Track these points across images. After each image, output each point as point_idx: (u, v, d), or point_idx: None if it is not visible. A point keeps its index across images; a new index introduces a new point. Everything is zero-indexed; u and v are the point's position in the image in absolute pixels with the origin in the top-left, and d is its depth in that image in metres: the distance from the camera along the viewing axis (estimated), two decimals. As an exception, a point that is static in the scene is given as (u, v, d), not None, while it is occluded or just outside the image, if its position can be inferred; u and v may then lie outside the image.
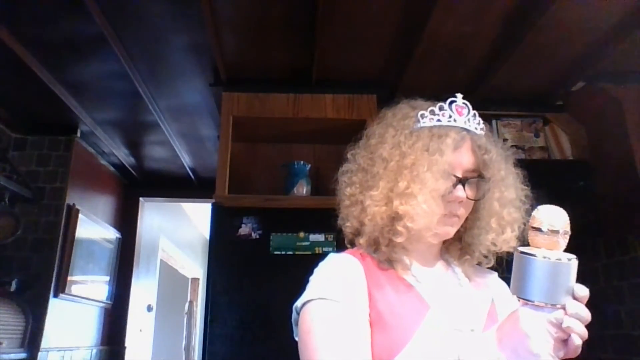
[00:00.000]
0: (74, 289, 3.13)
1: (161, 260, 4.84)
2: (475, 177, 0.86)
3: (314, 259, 2.23)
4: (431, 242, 0.87)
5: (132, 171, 3.89)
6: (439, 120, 0.86)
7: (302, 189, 2.40)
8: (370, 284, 0.82)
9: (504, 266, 0.91)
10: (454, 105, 0.87)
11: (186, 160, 3.66)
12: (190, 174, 3.92)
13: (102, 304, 3.61)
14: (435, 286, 0.86)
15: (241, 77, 2.48)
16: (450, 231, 0.87)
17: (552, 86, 2.51)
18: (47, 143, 3.11)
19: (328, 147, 2.71)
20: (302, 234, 2.15)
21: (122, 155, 3.58)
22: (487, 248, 0.89)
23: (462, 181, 0.84)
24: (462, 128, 0.86)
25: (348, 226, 0.94)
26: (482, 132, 0.89)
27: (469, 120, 0.87)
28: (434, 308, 0.81)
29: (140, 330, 4.18)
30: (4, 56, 2.22)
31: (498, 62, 2.30)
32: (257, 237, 2.13)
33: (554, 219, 0.65)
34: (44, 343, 2.80)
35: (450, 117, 0.86)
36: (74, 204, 3.12)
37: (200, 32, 2.11)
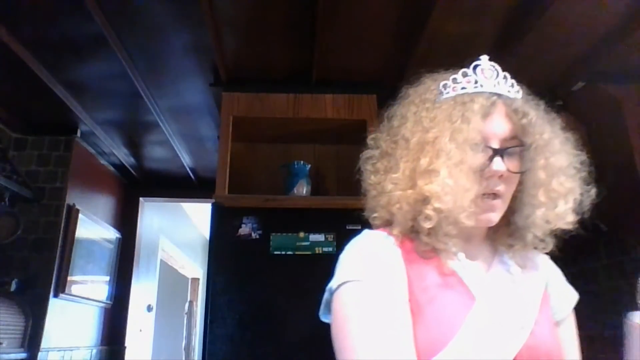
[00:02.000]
0: (74, 289, 3.13)
1: (161, 260, 4.84)
2: (516, 146, 0.76)
3: (314, 259, 2.23)
4: (470, 226, 0.74)
5: (132, 171, 3.89)
6: (463, 88, 0.77)
7: (302, 189, 2.40)
8: (408, 269, 0.74)
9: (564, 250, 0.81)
10: (479, 69, 0.78)
11: (186, 160, 3.66)
12: (190, 174, 3.92)
13: (102, 304, 3.61)
14: (482, 277, 0.76)
15: (241, 77, 2.48)
16: (492, 217, 0.76)
17: (552, 86, 2.52)
18: (47, 143, 3.11)
19: (328, 147, 2.71)
20: (302, 234, 2.15)
21: (122, 155, 3.58)
22: (541, 229, 0.78)
23: (500, 152, 0.74)
24: (491, 93, 0.76)
25: (376, 217, 0.84)
26: (517, 95, 0.79)
27: (498, 83, 0.77)
28: (481, 301, 0.72)
29: (140, 330, 4.17)
30: (4, 56, 2.22)
31: (497, 62, 2.29)
32: (257, 237, 2.13)
33: None
34: (44, 343, 2.79)
35: (476, 82, 0.77)
36: (74, 204, 3.12)
37: (200, 32, 2.11)
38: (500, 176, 0.74)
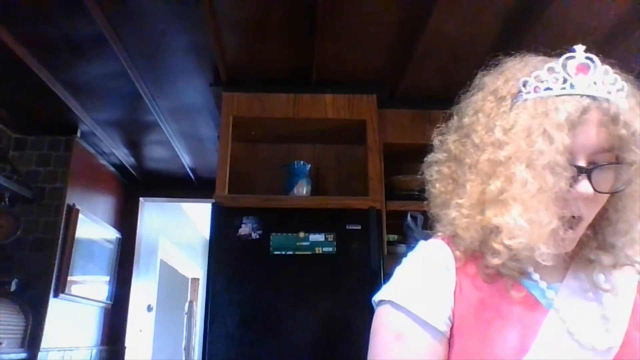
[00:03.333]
0: (74, 289, 3.13)
1: (161, 260, 4.84)
2: (608, 163, 0.62)
3: (314, 259, 2.24)
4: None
5: (132, 171, 3.89)
6: (548, 88, 0.62)
7: (302, 189, 2.40)
8: (461, 282, 0.67)
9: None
10: (570, 63, 0.62)
11: (186, 160, 3.66)
12: (190, 174, 3.92)
13: (102, 304, 3.61)
14: (562, 291, 0.66)
15: (241, 77, 2.48)
16: (569, 245, 0.65)
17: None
18: (47, 143, 3.11)
19: (328, 147, 2.71)
20: (302, 234, 2.15)
21: (122, 155, 3.58)
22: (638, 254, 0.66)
23: (587, 171, 0.60)
24: (584, 95, 0.61)
25: (441, 232, 0.72)
26: (619, 96, 0.62)
27: (595, 82, 0.61)
28: (554, 314, 0.63)
29: (140, 330, 4.17)
30: (4, 56, 2.22)
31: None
32: (257, 237, 2.13)
33: None
34: (44, 343, 2.80)
35: (564, 81, 0.62)
36: (74, 204, 3.12)
37: (200, 32, 2.11)
38: (586, 198, 0.61)
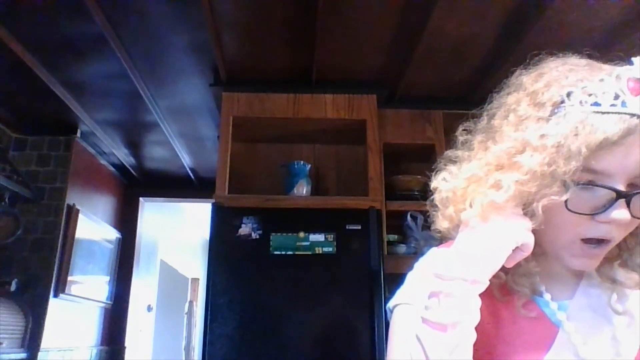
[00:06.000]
0: (74, 289, 3.13)
1: (161, 260, 4.84)
2: None
3: (314, 259, 2.24)
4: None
5: (132, 171, 3.89)
6: (596, 103, 0.55)
7: (302, 189, 2.40)
8: None
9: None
10: (625, 78, 0.55)
11: (186, 160, 3.66)
12: (190, 174, 3.92)
13: (102, 304, 3.61)
14: (573, 309, 0.64)
15: (241, 77, 2.48)
16: (591, 265, 0.61)
17: (552, 86, 2.51)
18: (47, 143, 3.11)
19: (328, 147, 2.72)
20: (302, 234, 2.15)
21: (122, 155, 3.58)
22: None
23: (627, 195, 0.55)
24: (635, 115, 0.54)
25: (443, 231, 0.68)
26: None
27: None
28: (563, 335, 0.61)
29: (140, 330, 4.18)
30: (4, 56, 2.22)
31: (498, 62, 2.30)
32: (257, 237, 2.13)
33: None
34: (44, 343, 2.80)
35: (616, 97, 0.54)
36: (74, 204, 3.12)
37: (200, 32, 2.11)
38: (618, 223, 0.56)
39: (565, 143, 0.54)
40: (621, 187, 0.55)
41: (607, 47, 2.14)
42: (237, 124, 2.44)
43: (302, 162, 2.47)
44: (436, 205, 0.66)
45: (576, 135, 0.54)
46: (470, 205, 0.59)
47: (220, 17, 2.03)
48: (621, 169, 0.55)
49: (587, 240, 0.58)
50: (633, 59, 0.56)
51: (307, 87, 2.50)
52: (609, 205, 0.55)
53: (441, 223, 0.64)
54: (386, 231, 2.36)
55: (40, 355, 2.76)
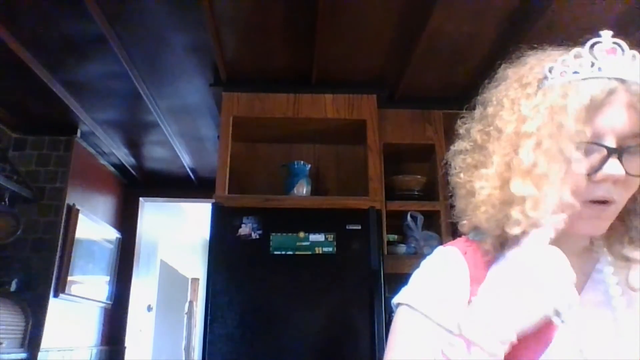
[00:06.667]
0: (74, 289, 3.13)
1: (161, 260, 4.84)
2: (638, 145, 0.61)
3: (314, 259, 2.23)
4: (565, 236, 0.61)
5: (132, 171, 3.89)
6: (575, 72, 0.62)
7: (302, 189, 2.40)
8: (475, 292, 0.66)
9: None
10: (597, 47, 0.63)
11: (186, 160, 3.66)
12: (190, 174, 3.92)
13: (102, 304, 3.61)
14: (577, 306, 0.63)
15: (241, 77, 2.48)
16: (599, 227, 0.63)
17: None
18: (47, 143, 3.11)
19: (328, 147, 2.72)
20: (302, 234, 2.15)
21: (122, 155, 3.58)
22: None
23: (616, 152, 0.60)
24: (611, 78, 0.61)
25: (465, 224, 0.71)
26: None
27: (623, 65, 0.61)
28: (566, 330, 0.61)
29: (140, 330, 4.18)
30: (4, 56, 2.22)
31: (498, 62, 2.29)
32: (257, 237, 2.13)
33: None
34: (44, 343, 2.80)
35: (592, 64, 0.62)
36: (74, 204, 3.12)
37: (200, 32, 2.11)
38: (616, 181, 0.60)
39: (556, 106, 0.61)
40: (613, 145, 0.60)
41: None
42: (237, 124, 2.44)
43: (302, 162, 2.47)
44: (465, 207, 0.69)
45: (564, 97, 0.61)
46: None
47: (220, 17, 2.03)
48: (610, 129, 0.60)
49: (592, 203, 0.61)
50: (601, 32, 0.63)
51: (307, 87, 2.50)
52: (603, 163, 0.60)
53: (486, 223, 0.65)
54: (386, 231, 2.35)
55: (40, 355, 2.76)
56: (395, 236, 2.50)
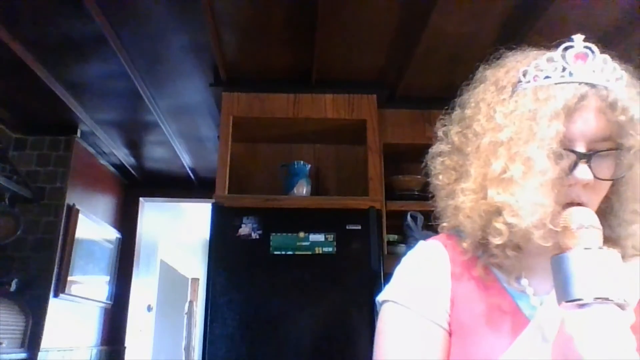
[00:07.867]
0: (74, 289, 3.13)
1: (161, 260, 4.84)
2: (608, 150, 0.62)
3: (314, 259, 2.24)
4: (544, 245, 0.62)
5: (132, 171, 3.89)
6: (547, 77, 0.64)
7: (302, 189, 2.40)
8: (455, 290, 0.69)
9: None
10: (569, 52, 0.63)
11: (186, 160, 3.66)
12: (190, 174, 3.92)
13: (102, 304, 3.61)
14: (546, 301, 0.65)
15: (241, 77, 2.48)
16: None
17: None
18: (47, 143, 3.11)
19: (328, 147, 2.71)
20: (302, 234, 2.15)
21: (122, 155, 3.58)
22: None
23: (585, 157, 0.61)
24: (582, 83, 0.62)
25: (445, 226, 0.73)
26: (618, 85, 0.63)
27: (593, 70, 0.62)
28: (534, 326, 0.62)
29: (140, 330, 4.18)
30: (4, 56, 2.22)
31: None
32: (257, 237, 2.13)
33: (578, 216, 0.57)
34: (44, 343, 2.80)
35: (563, 69, 0.63)
36: (74, 204, 3.12)
37: (200, 32, 2.11)
38: (586, 185, 0.62)
39: (527, 112, 0.63)
40: (582, 150, 0.62)
41: (608, 47, 2.13)
42: (237, 124, 2.44)
43: (302, 162, 2.46)
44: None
45: (535, 102, 0.62)
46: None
47: (220, 17, 2.03)
48: (580, 134, 0.62)
49: (564, 206, 0.62)
50: (573, 36, 0.65)
51: (307, 87, 2.50)
52: (572, 168, 0.61)
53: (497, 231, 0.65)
54: (386, 231, 2.36)
55: (40, 355, 2.76)
56: (395, 236, 2.50)
